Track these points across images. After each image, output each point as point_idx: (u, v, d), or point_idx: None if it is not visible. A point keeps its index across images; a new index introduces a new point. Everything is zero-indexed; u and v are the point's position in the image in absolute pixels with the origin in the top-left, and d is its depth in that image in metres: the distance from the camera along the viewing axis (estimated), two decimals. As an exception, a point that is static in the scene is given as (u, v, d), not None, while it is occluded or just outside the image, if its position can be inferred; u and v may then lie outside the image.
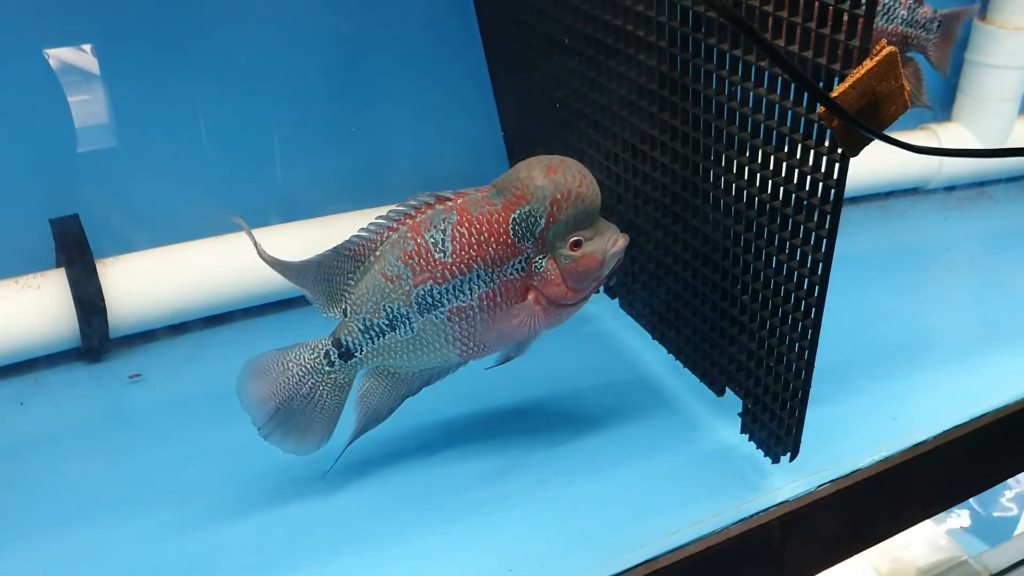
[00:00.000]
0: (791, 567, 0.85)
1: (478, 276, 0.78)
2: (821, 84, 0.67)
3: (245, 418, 0.86)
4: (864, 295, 1.14)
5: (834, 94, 0.63)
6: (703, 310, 0.90)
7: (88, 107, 1.04)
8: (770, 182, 0.77)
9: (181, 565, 0.77)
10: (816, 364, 0.78)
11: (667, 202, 0.91)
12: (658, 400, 0.97)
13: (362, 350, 0.80)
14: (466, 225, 0.77)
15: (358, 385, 0.82)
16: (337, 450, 0.83)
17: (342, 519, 0.81)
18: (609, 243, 0.80)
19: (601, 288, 1.12)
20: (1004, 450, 0.98)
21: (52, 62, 1.01)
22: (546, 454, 0.88)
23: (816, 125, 0.70)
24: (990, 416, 0.93)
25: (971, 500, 1.90)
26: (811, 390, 0.79)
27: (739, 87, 0.77)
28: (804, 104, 0.71)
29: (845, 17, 0.64)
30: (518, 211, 0.77)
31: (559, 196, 0.76)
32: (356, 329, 0.79)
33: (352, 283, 0.79)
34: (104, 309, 0.98)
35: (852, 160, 0.68)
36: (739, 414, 0.89)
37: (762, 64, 0.73)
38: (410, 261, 0.77)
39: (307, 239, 1.07)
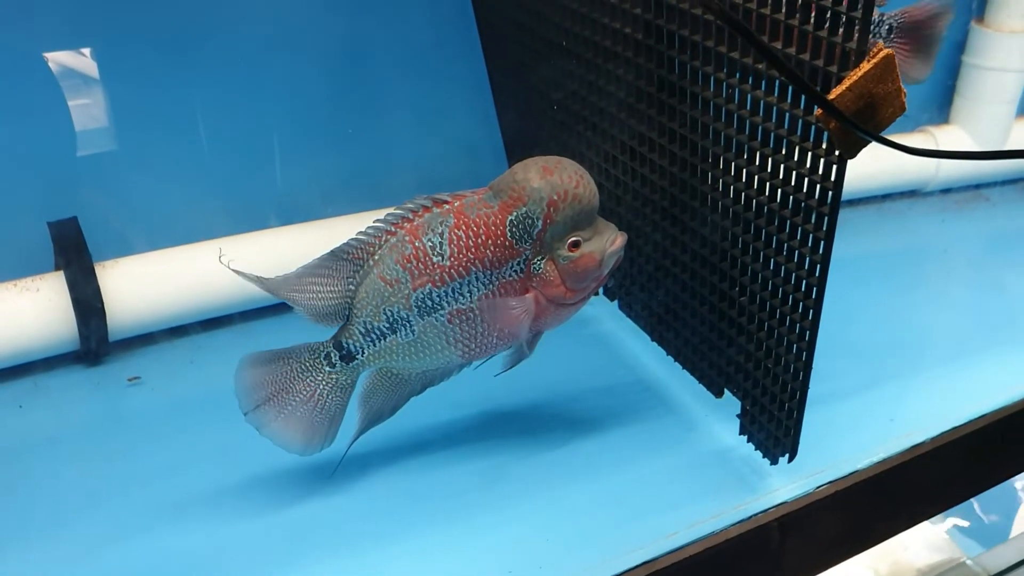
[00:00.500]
0: (790, 568, 0.85)
1: (477, 279, 0.78)
2: (818, 86, 0.68)
3: (243, 420, 0.86)
4: (862, 297, 1.15)
5: (831, 96, 0.64)
6: (701, 312, 0.90)
7: (87, 110, 1.04)
8: (768, 184, 0.77)
9: (181, 567, 0.77)
10: (814, 366, 0.78)
11: (665, 204, 0.91)
12: (657, 402, 0.97)
13: (363, 352, 0.80)
14: (463, 228, 0.77)
15: (361, 384, 0.82)
16: (340, 452, 0.84)
17: (341, 520, 0.81)
18: (608, 242, 0.80)
19: (600, 290, 1.12)
20: (1002, 451, 0.98)
21: (51, 65, 1.01)
22: (545, 455, 0.89)
23: (813, 127, 0.71)
24: (988, 417, 0.93)
25: (969, 501, 1.90)
26: (809, 392, 0.79)
27: (736, 90, 0.77)
28: (801, 106, 0.71)
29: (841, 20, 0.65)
30: (515, 213, 0.77)
31: (555, 197, 0.76)
32: (357, 332, 0.80)
33: (352, 286, 0.79)
34: (103, 312, 0.98)
35: (849, 162, 0.68)
36: (737, 415, 0.89)
37: (759, 67, 0.74)
38: (408, 265, 0.77)
39: (306, 241, 1.07)
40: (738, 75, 0.76)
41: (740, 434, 0.89)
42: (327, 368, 0.80)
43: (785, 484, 0.84)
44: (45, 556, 0.78)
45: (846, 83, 0.63)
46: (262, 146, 1.14)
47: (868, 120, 0.65)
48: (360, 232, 0.79)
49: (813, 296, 0.75)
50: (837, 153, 0.68)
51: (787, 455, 0.83)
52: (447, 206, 0.78)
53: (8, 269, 0.99)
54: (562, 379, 0.99)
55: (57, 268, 1.00)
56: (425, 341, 0.80)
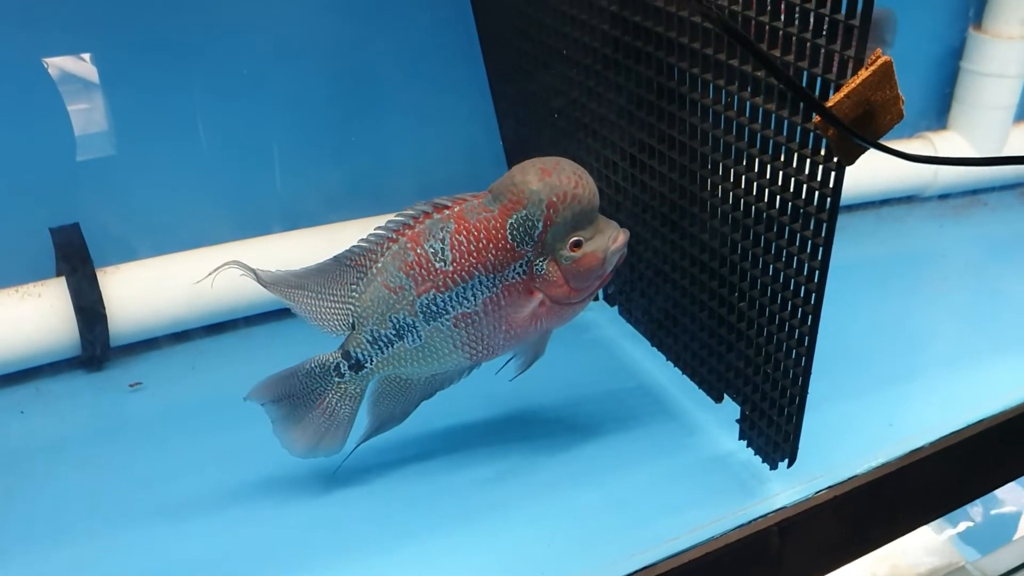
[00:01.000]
0: (789, 573, 0.86)
1: (480, 283, 0.79)
2: (816, 94, 0.68)
3: (245, 425, 0.87)
4: (861, 302, 1.15)
5: (829, 104, 0.64)
6: (701, 317, 0.91)
7: (88, 116, 1.04)
8: (767, 191, 0.77)
9: (182, 572, 0.77)
10: (813, 370, 0.78)
11: (665, 210, 0.91)
12: (657, 407, 0.97)
13: (372, 360, 0.80)
14: (464, 233, 0.78)
15: (371, 390, 0.83)
16: (345, 455, 0.84)
17: (343, 526, 0.82)
18: (610, 240, 0.80)
19: (600, 296, 1.12)
20: (1001, 456, 0.98)
21: (52, 71, 1.01)
22: (545, 460, 0.89)
23: (812, 134, 0.71)
24: (986, 422, 0.93)
25: (968, 506, 1.90)
26: (808, 396, 0.79)
27: (735, 97, 0.77)
28: (800, 114, 0.72)
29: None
30: (515, 216, 0.78)
31: (555, 199, 0.77)
32: (365, 340, 0.80)
33: (356, 294, 0.79)
34: (105, 317, 0.98)
35: (848, 168, 0.68)
36: (737, 420, 0.89)
37: (758, 74, 0.74)
38: (411, 272, 0.78)
39: (308, 247, 1.07)
40: (737, 82, 0.77)
41: (740, 439, 0.90)
42: (336, 379, 0.80)
43: (785, 489, 0.84)
44: (46, 561, 0.78)
45: (844, 90, 0.64)
46: (264, 152, 1.14)
47: (866, 127, 0.65)
48: (362, 239, 0.79)
49: (812, 301, 0.76)
50: (835, 160, 0.68)
51: (787, 460, 0.83)
52: (447, 211, 0.78)
53: (10, 275, 0.99)
54: (562, 384, 0.99)
55: (59, 274, 1.00)
56: (432, 346, 0.80)
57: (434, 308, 0.79)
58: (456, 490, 0.85)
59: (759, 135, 0.76)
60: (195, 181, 1.12)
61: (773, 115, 0.74)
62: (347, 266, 0.79)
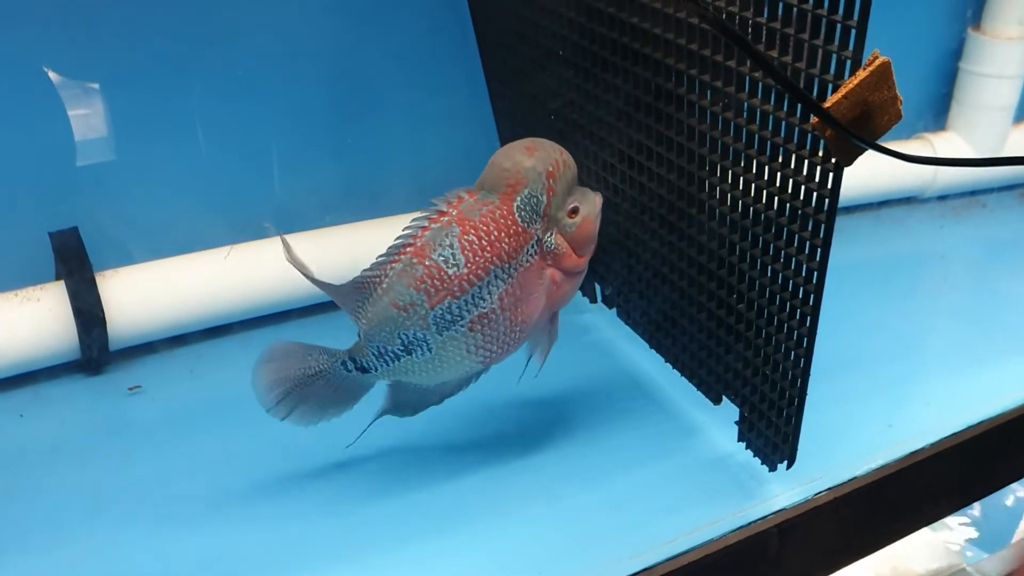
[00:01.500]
0: (789, 575, 0.86)
1: (496, 276, 0.78)
2: (814, 94, 0.68)
3: (244, 428, 0.87)
4: (859, 303, 1.15)
5: (827, 104, 0.64)
6: (699, 319, 0.91)
7: (87, 120, 1.04)
8: (764, 192, 0.77)
9: (181, 574, 0.77)
10: (812, 372, 0.78)
11: (662, 212, 0.91)
12: (655, 408, 0.97)
13: (377, 370, 0.80)
14: (472, 232, 0.77)
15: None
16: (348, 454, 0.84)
17: (340, 528, 0.81)
18: (594, 201, 0.83)
19: (599, 298, 1.12)
20: (1001, 457, 0.98)
21: (52, 75, 1.01)
22: (544, 462, 0.89)
23: (809, 135, 0.71)
24: (986, 423, 0.93)
25: (968, 507, 1.90)
26: (807, 398, 0.79)
27: (733, 98, 0.77)
28: (797, 114, 0.72)
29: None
30: (519, 198, 0.78)
31: (551, 168, 0.78)
32: (371, 354, 0.79)
33: (362, 312, 0.78)
34: (104, 321, 0.98)
35: (846, 169, 0.68)
36: (736, 422, 0.89)
37: (755, 75, 0.74)
38: (422, 285, 0.76)
39: (305, 250, 1.07)
40: (734, 83, 0.77)
41: (738, 441, 0.89)
42: (343, 372, 0.80)
43: (784, 490, 0.84)
44: (45, 565, 0.78)
45: (842, 91, 0.63)
46: (262, 155, 1.14)
47: (864, 128, 0.65)
48: (365, 270, 0.78)
49: (811, 303, 0.75)
50: (834, 161, 0.68)
51: (786, 461, 0.83)
52: (445, 218, 0.77)
53: (9, 279, 0.99)
54: (561, 386, 0.99)
55: (58, 278, 1.00)
56: (443, 356, 0.79)
57: (448, 317, 0.78)
58: (454, 492, 0.85)
59: (757, 136, 0.76)
60: (193, 185, 1.12)
61: (771, 116, 0.74)
62: (354, 288, 0.78)
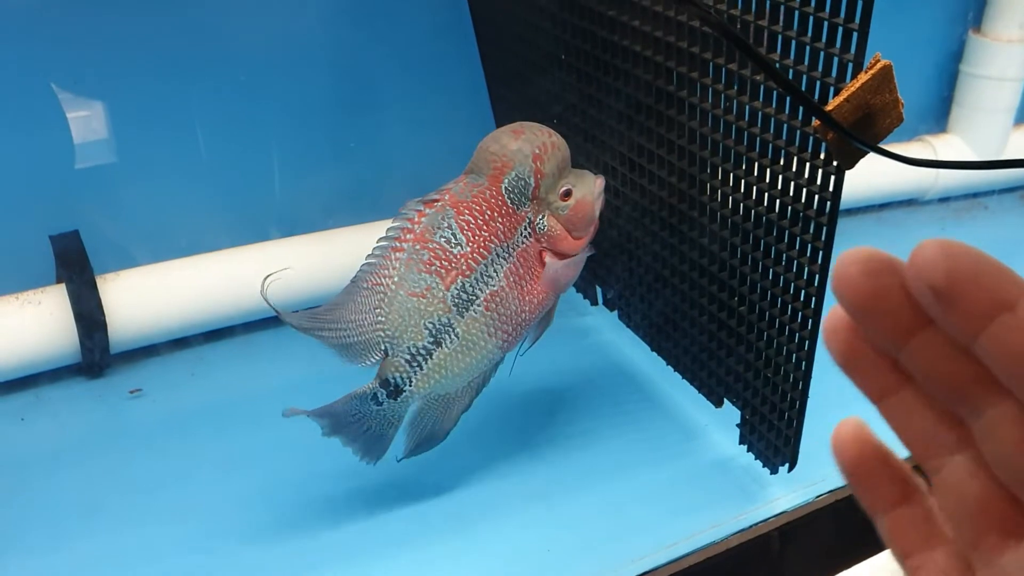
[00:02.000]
0: (790, 578, 0.86)
1: (497, 255, 0.79)
2: (816, 97, 0.68)
3: (244, 432, 0.87)
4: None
5: (829, 107, 0.64)
6: (701, 322, 0.90)
7: (87, 123, 1.04)
8: (766, 194, 0.77)
9: (181, 578, 0.77)
10: (814, 375, 0.78)
11: (664, 215, 0.91)
12: (656, 411, 0.97)
13: (411, 382, 0.79)
14: (467, 212, 0.78)
15: (411, 411, 0.82)
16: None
17: (341, 533, 0.81)
18: (593, 183, 0.82)
19: (600, 301, 1.12)
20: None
21: (51, 78, 1.01)
22: (545, 465, 0.89)
23: (811, 138, 0.71)
24: (987, 426, 0.93)
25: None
26: (809, 401, 0.79)
27: (735, 101, 0.77)
28: (799, 117, 0.72)
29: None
30: (506, 180, 0.78)
31: (538, 151, 0.78)
32: (402, 362, 0.78)
33: (383, 316, 0.78)
34: (104, 324, 0.98)
35: (848, 172, 0.68)
36: (737, 425, 0.89)
37: (757, 78, 0.74)
38: (432, 267, 0.77)
39: (306, 253, 1.08)
40: (736, 86, 0.77)
41: (740, 444, 0.89)
42: (375, 407, 0.80)
43: (785, 493, 0.84)
44: (45, 568, 0.78)
45: (844, 94, 0.63)
46: (263, 158, 1.14)
47: (866, 131, 0.65)
48: (369, 256, 0.78)
49: (812, 305, 0.75)
50: (835, 164, 0.68)
51: (787, 464, 0.83)
52: (439, 202, 0.78)
53: (10, 282, 0.99)
54: (561, 389, 0.99)
55: (59, 281, 1.00)
56: (469, 341, 0.79)
57: (464, 296, 0.78)
58: (455, 496, 0.85)
59: (759, 139, 0.76)
60: (194, 188, 1.12)
61: (772, 119, 0.74)
62: (365, 289, 0.78)
